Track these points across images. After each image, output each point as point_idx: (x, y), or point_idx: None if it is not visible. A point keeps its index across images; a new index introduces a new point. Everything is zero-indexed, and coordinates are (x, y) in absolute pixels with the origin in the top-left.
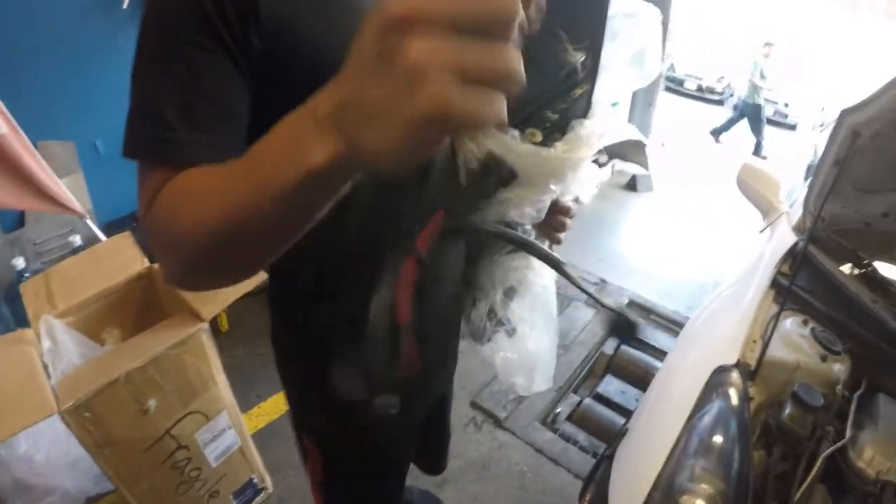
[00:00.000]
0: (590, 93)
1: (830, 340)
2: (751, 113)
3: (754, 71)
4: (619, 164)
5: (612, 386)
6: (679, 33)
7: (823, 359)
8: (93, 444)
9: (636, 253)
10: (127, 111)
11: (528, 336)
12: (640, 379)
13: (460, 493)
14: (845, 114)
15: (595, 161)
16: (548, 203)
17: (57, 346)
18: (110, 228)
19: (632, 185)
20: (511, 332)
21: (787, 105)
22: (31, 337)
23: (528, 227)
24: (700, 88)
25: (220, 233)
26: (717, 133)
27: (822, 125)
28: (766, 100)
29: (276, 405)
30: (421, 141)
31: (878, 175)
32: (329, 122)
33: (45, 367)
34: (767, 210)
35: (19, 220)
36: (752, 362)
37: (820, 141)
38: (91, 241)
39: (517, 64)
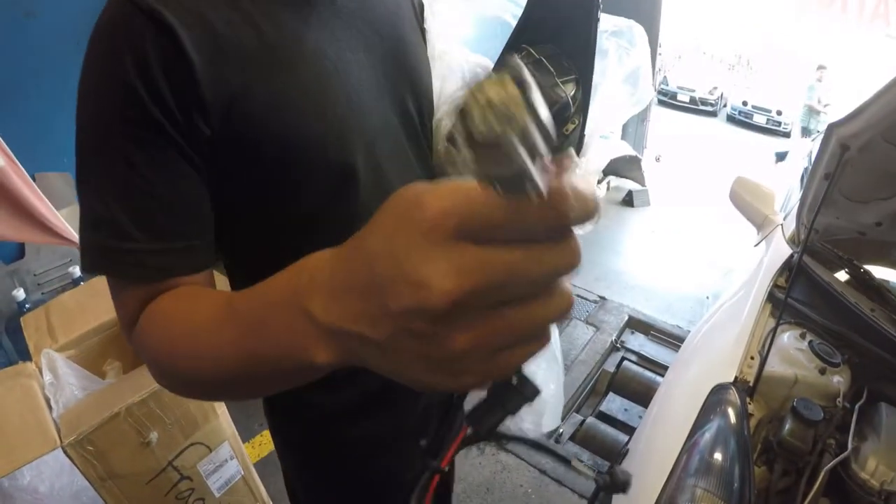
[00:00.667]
0: (582, 126)
1: (829, 353)
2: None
3: (810, 95)
4: (614, 180)
5: (614, 404)
6: (669, 46)
7: (822, 372)
8: (96, 477)
9: (635, 269)
10: (81, 218)
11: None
12: (643, 395)
13: None
14: (833, 127)
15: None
16: None
17: (58, 379)
18: None
19: (628, 200)
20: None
21: (779, 113)
22: (33, 370)
23: None
24: (693, 100)
25: (213, 387)
26: (780, 157)
27: (815, 133)
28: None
29: None
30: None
31: (869, 186)
32: (333, 339)
33: (47, 400)
34: (762, 223)
35: (19, 251)
36: (751, 378)
37: (814, 148)
38: None
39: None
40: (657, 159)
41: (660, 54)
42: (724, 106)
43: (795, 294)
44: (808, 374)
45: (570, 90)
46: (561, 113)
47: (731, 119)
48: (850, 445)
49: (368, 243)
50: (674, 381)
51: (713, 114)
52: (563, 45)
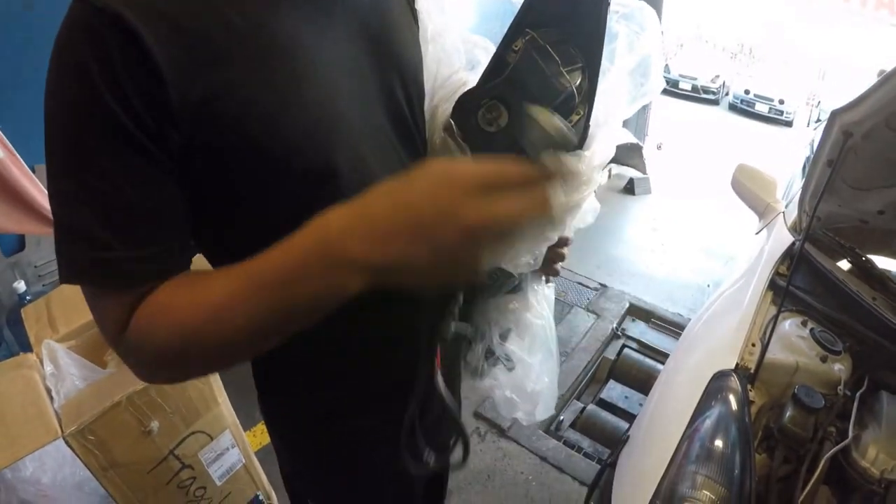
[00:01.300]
0: (587, 117)
1: (830, 340)
2: None
3: None
4: (616, 167)
5: (615, 391)
6: (671, 33)
7: (823, 359)
8: (97, 467)
9: (636, 256)
10: (55, 226)
11: (528, 376)
12: (644, 383)
13: None
14: (836, 114)
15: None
16: (545, 250)
17: (59, 370)
18: None
19: (629, 188)
20: (510, 368)
21: (782, 102)
22: (34, 361)
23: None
24: (695, 88)
25: (241, 347)
26: None
27: (817, 121)
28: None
29: None
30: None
31: (872, 173)
32: (369, 272)
33: (49, 391)
34: (763, 211)
35: (19, 243)
36: (752, 366)
37: (815, 136)
38: None
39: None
40: (659, 147)
41: (662, 41)
42: (727, 94)
43: (797, 282)
44: (810, 361)
45: (575, 79)
46: (565, 103)
47: (733, 107)
48: (850, 433)
49: (411, 199)
50: (675, 368)
51: (715, 102)
52: (570, 30)
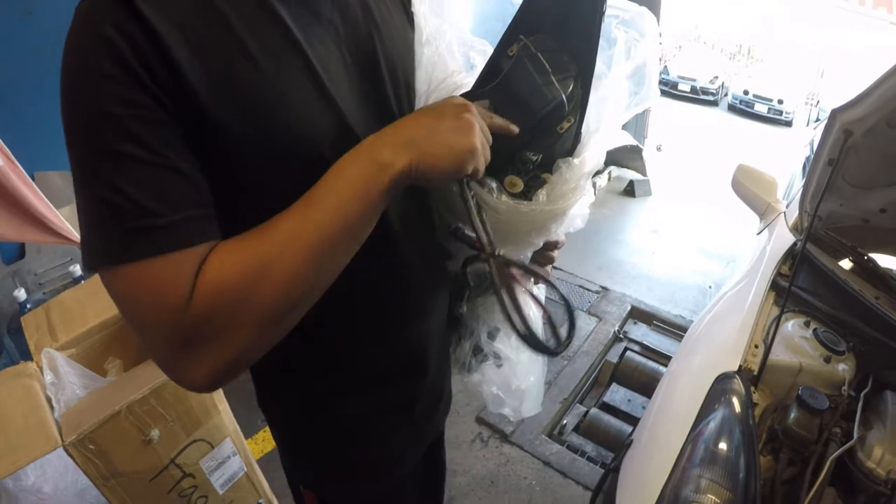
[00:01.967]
0: (578, 124)
1: (833, 341)
2: None
3: None
4: (616, 170)
5: (618, 394)
6: (669, 35)
7: (827, 360)
8: (98, 476)
9: (637, 259)
10: (88, 223)
11: (514, 373)
12: (647, 386)
13: None
14: (836, 112)
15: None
16: (531, 254)
17: (59, 378)
18: None
19: (630, 190)
20: (498, 365)
21: (781, 102)
22: (34, 370)
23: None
24: (694, 90)
25: (313, 271)
26: None
27: (816, 120)
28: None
29: None
30: (459, 162)
31: (874, 172)
32: (406, 145)
33: (49, 399)
34: (764, 211)
35: (19, 251)
36: (755, 367)
37: (815, 136)
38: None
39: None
40: (658, 149)
41: (660, 44)
42: (726, 95)
43: (799, 282)
44: (813, 362)
45: (566, 88)
46: (555, 112)
47: (732, 108)
48: (855, 434)
49: (440, 111)
50: (677, 370)
51: (714, 103)
52: (564, 36)
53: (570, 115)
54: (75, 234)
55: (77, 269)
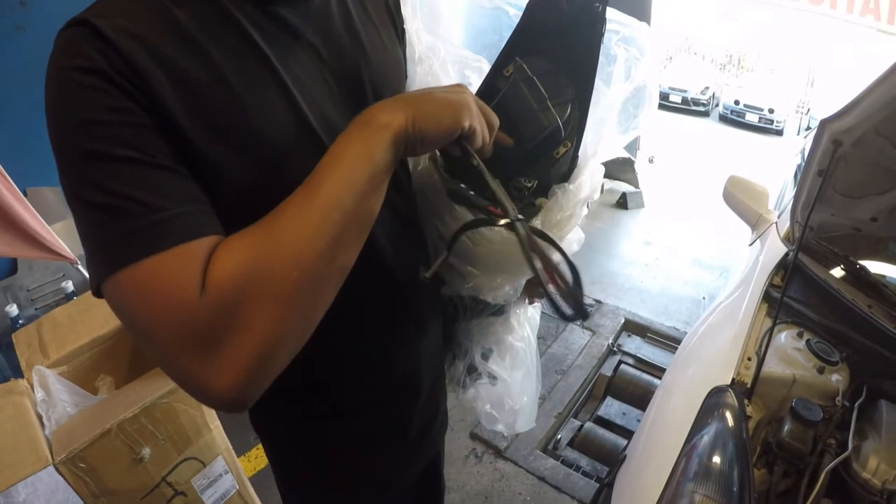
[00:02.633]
0: (575, 149)
1: (826, 351)
2: None
3: None
4: (608, 182)
5: (612, 408)
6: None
7: (820, 371)
8: (89, 495)
9: (630, 271)
10: (88, 234)
11: (508, 393)
12: (641, 399)
13: None
14: (825, 123)
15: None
16: (524, 282)
17: (50, 396)
18: None
19: (622, 202)
20: (493, 383)
21: (771, 111)
22: (25, 387)
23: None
24: (685, 101)
25: (328, 237)
26: None
27: (807, 128)
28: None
29: None
30: (456, 115)
31: (864, 181)
32: (402, 105)
33: (40, 417)
34: (756, 222)
35: (11, 267)
36: (749, 380)
37: (807, 145)
38: (83, 286)
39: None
40: (650, 161)
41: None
42: (717, 105)
43: (791, 293)
44: (807, 373)
45: (563, 113)
46: (551, 138)
47: (723, 118)
48: (850, 445)
49: (447, 92)
50: (671, 383)
51: (705, 114)
52: (562, 54)
53: (567, 140)
54: (67, 251)
55: (69, 286)
